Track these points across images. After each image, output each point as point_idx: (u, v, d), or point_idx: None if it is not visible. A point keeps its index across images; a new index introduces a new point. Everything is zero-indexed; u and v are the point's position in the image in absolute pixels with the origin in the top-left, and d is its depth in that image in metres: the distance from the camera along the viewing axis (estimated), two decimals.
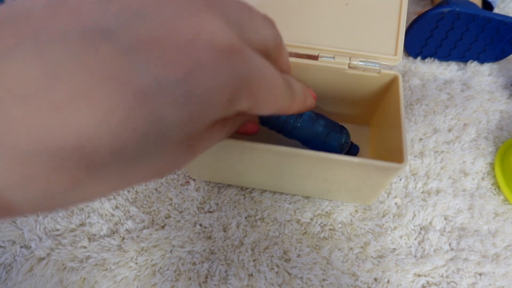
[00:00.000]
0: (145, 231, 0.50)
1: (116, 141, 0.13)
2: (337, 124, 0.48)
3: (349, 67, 0.50)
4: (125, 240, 0.50)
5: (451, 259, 0.50)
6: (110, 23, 0.14)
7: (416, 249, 0.50)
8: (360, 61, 0.49)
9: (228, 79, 0.16)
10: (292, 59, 0.50)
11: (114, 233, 0.50)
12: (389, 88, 0.51)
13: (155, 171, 0.17)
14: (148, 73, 0.14)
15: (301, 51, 0.50)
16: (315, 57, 0.50)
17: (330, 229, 0.52)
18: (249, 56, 0.18)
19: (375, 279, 0.48)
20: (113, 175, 0.15)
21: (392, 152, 0.45)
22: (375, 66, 0.49)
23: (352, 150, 0.51)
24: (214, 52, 0.16)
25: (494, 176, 0.57)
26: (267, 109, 0.22)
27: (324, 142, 0.47)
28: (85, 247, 0.49)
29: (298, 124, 0.45)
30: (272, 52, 0.25)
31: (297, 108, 0.27)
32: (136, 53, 0.13)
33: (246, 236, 0.50)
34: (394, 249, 0.50)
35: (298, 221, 0.52)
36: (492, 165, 0.58)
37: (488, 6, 0.74)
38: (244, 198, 0.54)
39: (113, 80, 0.13)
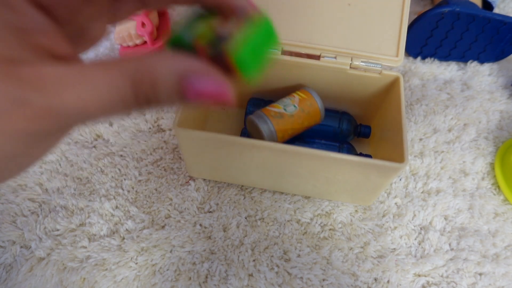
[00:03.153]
0: (145, 231, 0.50)
1: None
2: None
3: (350, 67, 0.50)
4: (125, 240, 0.49)
5: (451, 259, 0.50)
6: None
7: (416, 249, 0.51)
8: (362, 61, 0.49)
9: None
10: (294, 59, 0.50)
11: (114, 233, 0.50)
12: (390, 88, 0.51)
13: None
14: None
15: (303, 51, 0.50)
16: (317, 57, 0.50)
17: (330, 229, 0.52)
18: None
19: (375, 279, 0.48)
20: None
21: (393, 152, 0.45)
22: (376, 67, 0.49)
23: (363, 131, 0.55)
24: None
25: (494, 176, 0.57)
26: None
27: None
28: (85, 247, 0.49)
29: None
30: None
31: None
32: None
33: (246, 236, 0.50)
34: (394, 249, 0.50)
35: (298, 221, 0.52)
36: (492, 165, 0.59)
37: (488, 6, 0.74)
38: (244, 198, 0.54)
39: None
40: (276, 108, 0.50)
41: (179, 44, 0.22)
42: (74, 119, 0.19)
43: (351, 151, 0.53)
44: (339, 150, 0.53)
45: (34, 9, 0.18)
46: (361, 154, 0.53)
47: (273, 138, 0.48)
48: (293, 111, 0.50)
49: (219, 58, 0.21)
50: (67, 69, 0.18)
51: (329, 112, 0.56)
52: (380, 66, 0.49)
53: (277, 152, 0.43)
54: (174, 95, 0.20)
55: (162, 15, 0.70)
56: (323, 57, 0.49)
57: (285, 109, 0.50)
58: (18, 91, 0.17)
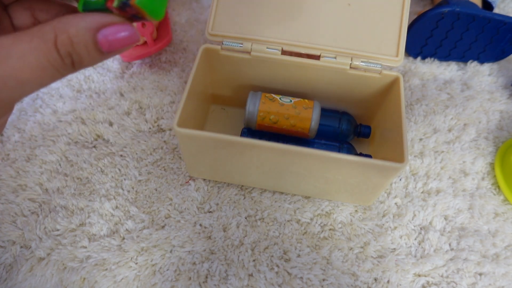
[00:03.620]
0: (145, 231, 0.50)
1: None
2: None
3: (350, 67, 0.50)
4: (125, 240, 0.49)
5: (451, 259, 0.50)
6: None
7: (416, 249, 0.51)
8: (362, 61, 0.49)
9: None
10: (294, 59, 0.50)
11: (114, 233, 0.50)
12: (390, 88, 0.51)
13: None
14: None
15: (303, 51, 0.50)
16: (317, 57, 0.50)
17: (330, 229, 0.52)
18: None
19: (375, 279, 0.48)
20: None
21: (393, 152, 0.45)
22: (376, 67, 0.49)
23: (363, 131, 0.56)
24: None
25: (494, 176, 0.57)
26: None
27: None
28: (85, 247, 0.49)
29: None
30: None
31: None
32: None
33: (246, 236, 0.50)
34: (394, 249, 0.50)
35: (298, 221, 0.52)
36: (492, 165, 0.59)
37: (488, 6, 0.74)
38: (244, 198, 0.54)
39: None
40: (275, 95, 0.52)
41: (89, 5, 0.24)
42: (12, 90, 0.20)
43: (351, 151, 0.53)
44: (339, 150, 0.53)
45: None
46: (361, 154, 0.53)
47: (253, 115, 0.51)
48: (286, 102, 0.51)
49: (126, 8, 0.23)
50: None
51: (329, 112, 0.56)
52: (380, 66, 0.49)
53: (277, 152, 0.43)
54: (93, 51, 0.22)
55: None
56: (323, 57, 0.49)
57: (280, 98, 0.52)
58: None
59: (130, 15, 0.24)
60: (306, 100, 0.52)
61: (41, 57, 0.20)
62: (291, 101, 0.51)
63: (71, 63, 0.22)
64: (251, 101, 0.52)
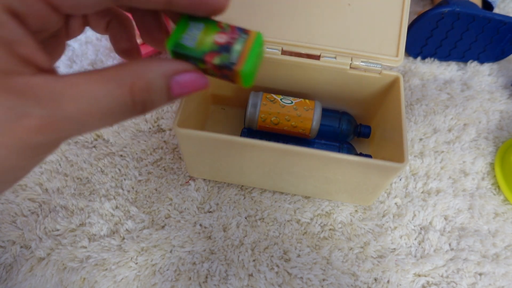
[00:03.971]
0: (145, 231, 0.50)
1: None
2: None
3: (350, 67, 0.50)
4: (125, 240, 0.49)
5: (451, 259, 0.50)
6: None
7: (416, 249, 0.51)
8: (362, 61, 0.49)
9: None
10: (294, 59, 0.50)
11: (114, 233, 0.50)
12: (390, 89, 0.51)
13: None
14: None
15: (303, 51, 0.50)
16: (316, 57, 0.50)
17: (330, 229, 0.52)
18: None
19: (375, 279, 0.48)
20: None
21: (393, 152, 0.45)
22: (376, 67, 0.49)
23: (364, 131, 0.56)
24: None
25: (494, 176, 0.57)
26: None
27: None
28: (85, 247, 0.49)
29: None
30: None
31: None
32: None
33: (246, 236, 0.50)
34: (394, 249, 0.50)
35: (298, 221, 0.52)
36: (492, 165, 0.59)
37: (488, 6, 0.74)
38: (244, 198, 0.54)
39: None
40: (276, 95, 0.52)
41: (183, 52, 0.24)
42: (73, 130, 0.19)
43: (351, 151, 0.53)
44: (339, 150, 0.53)
45: (13, 19, 0.18)
46: (361, 154, 0.53)
47: (254, 116, 0.51)
48: (287, 103, 0.51)
49: (224, 69, 0.24)
50: (58, 81, 0.18)
51: (329, 112, 0.56)
52: (380, 66, 0.49)
53: (277, 152, 0.43)
54: (165, 96, 0.22)
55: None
56: (323, 57, 0.49)
57: (281, 99, 0.52)
58: (17, 103, 0.17)
59: (222, 74, 0.24)
60: (307, 101, 0.52)
61: (114, 103, 0.20)
62: (292, 102, 0.51)
63: (142, 108, 0.21)
64: (252, 102, 0.52)
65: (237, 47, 0.25)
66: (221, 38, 0.25)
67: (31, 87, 0.17)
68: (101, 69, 0.20)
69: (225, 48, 0.25)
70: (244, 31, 0.26)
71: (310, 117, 0.50)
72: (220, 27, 0.26)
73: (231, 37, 0.26)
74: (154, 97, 0.21)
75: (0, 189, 0.18)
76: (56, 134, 0.18)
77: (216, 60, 0.24)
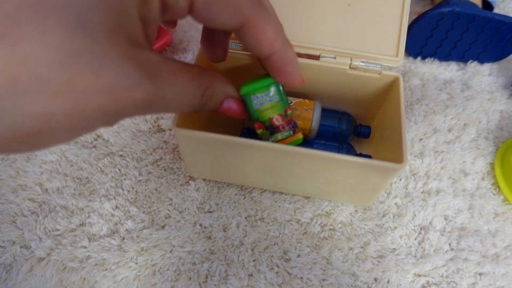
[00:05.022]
0: (145, 231, 0.50)
1: None
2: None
3: (350, 67, 0.50)
4: (125, 240, 0.49)
5: (451, 259, 0.50)
6: None
7: (416, 249, 0.51)
8: (361, 61, 0.49)
9: None
10: None
11: (114, 233, 0.50)
12: (390, 89, 0.51)
13: None
14: None
15: (303, 51, 0.50)
16: (316, 57, 0.50)
17: (330, 229, 0.52)
18: None
19: (375, 279, 0.48)
20: None
21: (392, 152, 0.45)
22: (376, 67, 0.49)
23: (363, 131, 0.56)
24: None
25: (494, 176, 0.57)
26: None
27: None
28: (85, 247, 0.49)
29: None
30: None
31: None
32: None
33: (246, 236, 0.50)
34: (394, 249, 0.50)
35: (298, 221, 0.52)
36: (492, 165, 0.59)
37: (488, 6, 0.74)
38: (244, 198, 0.54)
39: None
40: None
41: (246, 103, 0.32)
42: (156, 109, 0.21)
43: (351, 151, 0.53)
44: (339, 150, 0.53)
45: (156, 2, 0.21)
46: (361, 154, 0.53)
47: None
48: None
49: (267, 126, 0.34)
50: (167, 63, 0.21)
51: (329, 112, 0.56)
52: (380, 66, 0.49)
53: (277, 152, 0.43)
54: (215, 107, 0.27)
55: None
56: (323, 57, 0.49)
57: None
58: (135, 73, 0.18)
59: (265, 127, 0.34)
60: (307, 101, 0.52)
61: (191, 97, 0.23)
62: (291, 102, 0.51)
63: (200, 109, 0.25)
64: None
65: (280, 136, 0.33)
66: (277, 121, 0.32)
67: (149, 62, 0.20)
68: (188, 64, 0.23)
69: (272, 130, 0.32)
70: (295, 129, 0.33)
71: (310, 117, 0.50)
72: (285, 112, 0.32)
73: (283, 125, 0.33)
74: (210, 105, 0.26)
75: (60, 141, 0.19)
76: (144, 109, 0.20)
77: (259, 131, 0.32)
